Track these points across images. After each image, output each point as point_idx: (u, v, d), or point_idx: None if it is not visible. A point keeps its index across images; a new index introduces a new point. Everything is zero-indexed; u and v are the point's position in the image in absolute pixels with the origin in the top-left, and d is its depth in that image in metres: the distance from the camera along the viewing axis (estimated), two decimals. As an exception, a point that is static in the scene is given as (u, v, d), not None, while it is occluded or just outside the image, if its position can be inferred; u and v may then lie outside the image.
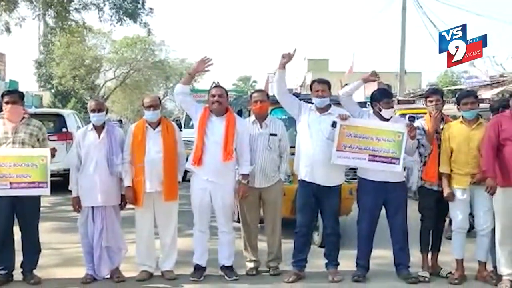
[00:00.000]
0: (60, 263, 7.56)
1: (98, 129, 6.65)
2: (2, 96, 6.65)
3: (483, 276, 6.66)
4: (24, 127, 6.58)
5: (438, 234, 6.98)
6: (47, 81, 48.80)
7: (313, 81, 6.98)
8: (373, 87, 6.98)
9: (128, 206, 6.81)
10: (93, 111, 6.65)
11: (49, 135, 7.58)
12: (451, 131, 6.66)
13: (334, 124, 6.62)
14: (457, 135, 6.60)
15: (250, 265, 7.00)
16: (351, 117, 6.65)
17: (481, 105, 7.75)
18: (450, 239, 6.94)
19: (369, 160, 6.61)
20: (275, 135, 6.91)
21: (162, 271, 6.82)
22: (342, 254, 6.94)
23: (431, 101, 6.87)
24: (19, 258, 6.66)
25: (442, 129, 6.75)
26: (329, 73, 38.26)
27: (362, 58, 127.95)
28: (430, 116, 6.81)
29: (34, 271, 6.66)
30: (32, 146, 6.52)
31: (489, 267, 6.71)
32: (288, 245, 7.00)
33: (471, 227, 7.11)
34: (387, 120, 6.74)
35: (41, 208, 6.83)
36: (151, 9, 22.67)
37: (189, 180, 6.86)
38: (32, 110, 14.63)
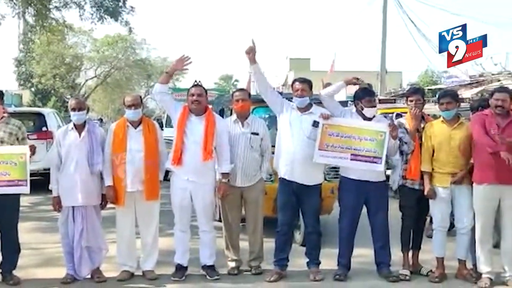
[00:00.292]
0: (40, 263, 7.49)
1: (79, 128, 6.59)
2: (-19, 95, 6.59)
3: (463, 274, 6.71)
4: (3, 126, 6.52)
5: (419, 232, 7.01)
6: (27, 80, 48.40)
7: (294, 80, 6.98)
8: (355, 86, 7.01)
9: (109, 205, 6.78)
10: (73, 110, 6.58)
11: (29, 134, 7.53)
12: (432, 130, 6.70)
13: (315, 124, 6.64)
14: (438, 134, 6.64)
15: (232, 264, 6.99)
16: (333, 116, 6.67)
17: (461, 104, 7.80)
18: (431, 237, 6.99)
19: (351, 159, 6.62)
20: (257, 134, 6.91)
21: (143, 271, 6.78)
22: (324, 253, 6.96)
23: (411, 101, 6.91)
24: (-3, 258, 6.60)
25: (423, 128, 6.79)
26: (311, 72, 38.37)
27: (343, 57, 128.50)
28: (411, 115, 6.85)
29: (14, 271, 6.60)
30: (12, 145, 6.46)
31: (469, 265, 6.77)
32: (269, 244, 7.00)
33: (452, 225, 7.17)
34: (370, 119, 6.77)
35: (21, 208, 6.77)
36: (132, 7, 22.63)
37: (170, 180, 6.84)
38: (12, 109, 14.56)
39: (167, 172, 6.87)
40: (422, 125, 6.83)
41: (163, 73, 7.05)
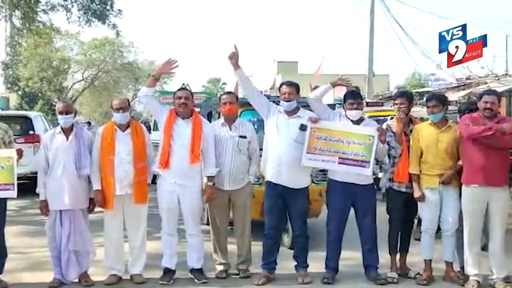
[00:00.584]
0: (27, 267, 7.45)
1: (66, 131, 6.56)
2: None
3: (451, 276, 6.74)
4: (-10, 130, 6.48)
5: (406, 235, 7.03)
6: (14, 83, 48.03)
7: (281, 84, 6.98)
8: (343, 89, 7.00)
9: (97, 209, 6.74)
10: (61, 113, 6.56)
11: (16, 138, 7.49)
12: (420, 132, 6.72)
13: (302, 127, 6.64)
14: (426, 136, 6.67)
15: (220, 267, 6.99)
16: (321, 120, 6.68)
17: (449, 107, 7.83)
18: (419, 240, 7.01)
19: (339, 163, 6.63)
20: (245, 137, 6.91)
21: (131, 275, 6.76)
22: (312, 256, 6.97)
23: (396, 104, 6.95)
24: (-16, 262, 6.55)
25: (411, 130, 6.82)
26: (299, 75, 38.34)
27: (331, 60, 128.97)
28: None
29: (1, 276, 6.57)
30: (-2, 149, 6.43)
31: (457, 267, 6.79)
32: (257, 247, 7.00)
33: (439, 228, 7.19)
34: (358, 122, 6.78)
35: (8, 212, 6.74)
36: (119, 10, 22.50)
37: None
38: (-2, 112, 14.44)
39: (154, 176, 6.86)
40: (410, 128, 6.86)
41: (150, 76, 7.04)
